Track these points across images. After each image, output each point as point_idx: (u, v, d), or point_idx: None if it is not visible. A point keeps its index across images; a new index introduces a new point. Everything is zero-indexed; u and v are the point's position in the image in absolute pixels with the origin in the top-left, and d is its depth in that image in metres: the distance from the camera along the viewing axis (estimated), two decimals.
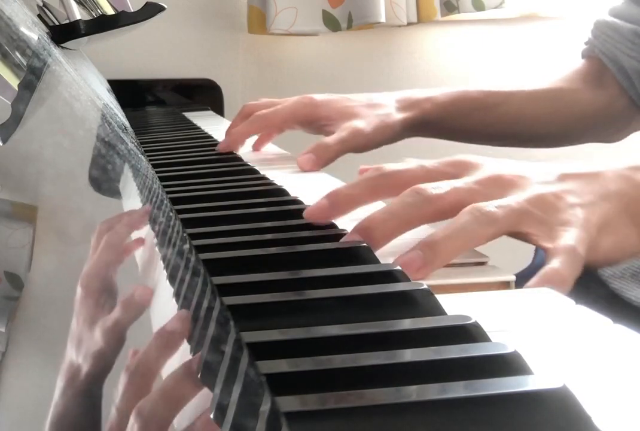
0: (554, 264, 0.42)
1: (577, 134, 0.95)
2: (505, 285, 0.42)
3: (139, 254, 0.39)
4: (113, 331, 0.31)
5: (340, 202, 0.47)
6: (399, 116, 0.85)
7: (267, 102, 0.87)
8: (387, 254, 0.44)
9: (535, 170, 0.49)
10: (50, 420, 0.28)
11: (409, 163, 0.50)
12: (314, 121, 0.84)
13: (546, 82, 0.93)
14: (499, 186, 0.47)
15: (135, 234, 0.40)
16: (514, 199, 0.45)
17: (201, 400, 0.27)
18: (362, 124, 0.80)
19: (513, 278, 0.42)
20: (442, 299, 0.33)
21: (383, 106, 0.85)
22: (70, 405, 0.29)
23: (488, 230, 0.43)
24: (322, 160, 0.76)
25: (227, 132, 0.84)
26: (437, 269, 0.43)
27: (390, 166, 0.50)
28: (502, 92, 0.91)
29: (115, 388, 0.28)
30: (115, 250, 0.37)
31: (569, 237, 0.44)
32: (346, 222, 0.48)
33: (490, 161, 0.50)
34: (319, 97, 0.85)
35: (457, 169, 0.49)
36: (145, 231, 0.41)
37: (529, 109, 0.91)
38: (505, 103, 0.90)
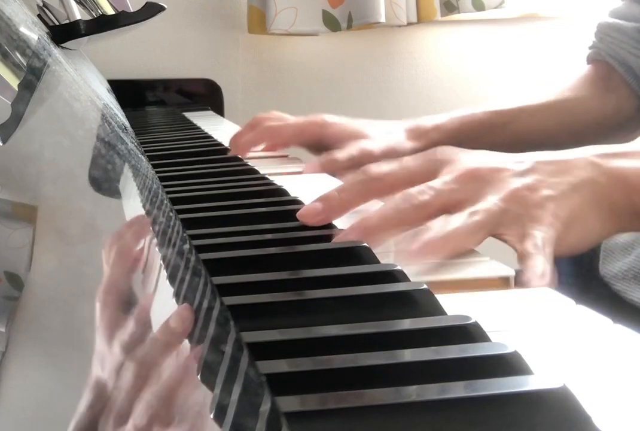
0: (535, 268, 0.44)
1: (588, 141, 0.95)
2: (504, 281, 0.42)
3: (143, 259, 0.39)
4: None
5: (333, 206, 0.50)
6: (408, 145, 0.85)
7: (278, 116, 0.87)
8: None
9: (508, 160, 0.53)
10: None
11: (390, 163, 0.54)
12: (321, 140, 0.84)
13: (552, 93, 0.92)
14: (475, 180, 0.51)
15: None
16: (492, 202, 0.48)
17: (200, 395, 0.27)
18: (372, 146, 0.81)
19: (512, 273, 0.42)
20: (441, 298, 0.33)
21: (393, 133, 0.85)
22: (96, 418, 0.29)
23: (478, 236, 0.47)
24: (328, 173, 0.78)
25: (233, 141, 0.84)
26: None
27: (373, 169, 0.53)
28: (508, 111, 0.90)
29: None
30: (127, 261, 0.37)
31: (539, 237, 0.47)
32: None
33: (463, 153, 0.54)
34: (330, 118, 0.85)
35: (436, 165, 0.53)
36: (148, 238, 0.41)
37: (538, 124, 0.90)
38: (513, 121, 0.89)
